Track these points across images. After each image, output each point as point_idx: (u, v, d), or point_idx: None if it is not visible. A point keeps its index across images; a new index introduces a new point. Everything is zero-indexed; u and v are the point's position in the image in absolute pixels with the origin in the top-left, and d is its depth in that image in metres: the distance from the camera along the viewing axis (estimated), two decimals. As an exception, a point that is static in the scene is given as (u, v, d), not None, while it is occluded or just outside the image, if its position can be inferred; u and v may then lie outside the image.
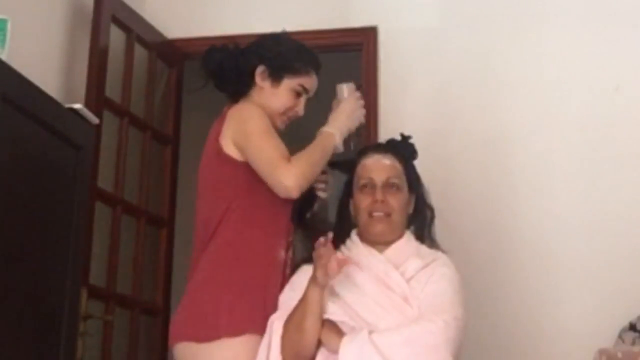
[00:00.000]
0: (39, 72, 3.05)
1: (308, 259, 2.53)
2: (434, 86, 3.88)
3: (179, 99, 4.12)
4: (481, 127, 3.77)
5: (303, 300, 2.43)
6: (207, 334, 2.49)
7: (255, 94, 2.72)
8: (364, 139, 3.37)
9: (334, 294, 2.48)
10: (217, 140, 2.64)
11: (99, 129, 3.32)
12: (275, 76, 2.70)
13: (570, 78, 3.75)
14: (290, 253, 2.67)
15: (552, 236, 3.61)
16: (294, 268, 2.63)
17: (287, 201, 2.62)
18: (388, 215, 2.60)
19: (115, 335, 3.52)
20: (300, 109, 2.74)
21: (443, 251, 2.65)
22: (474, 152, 3.76)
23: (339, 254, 2.42)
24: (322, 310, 2.43)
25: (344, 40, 4.01)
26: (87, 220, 3.19)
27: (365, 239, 2.63)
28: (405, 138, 2.77)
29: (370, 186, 2.63)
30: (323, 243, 2.38)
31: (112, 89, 3.63)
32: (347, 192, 2.72)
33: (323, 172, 2.70)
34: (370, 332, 2.36)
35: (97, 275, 3.45)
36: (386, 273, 2.52)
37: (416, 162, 2.76)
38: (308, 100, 2.77)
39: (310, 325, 2.41)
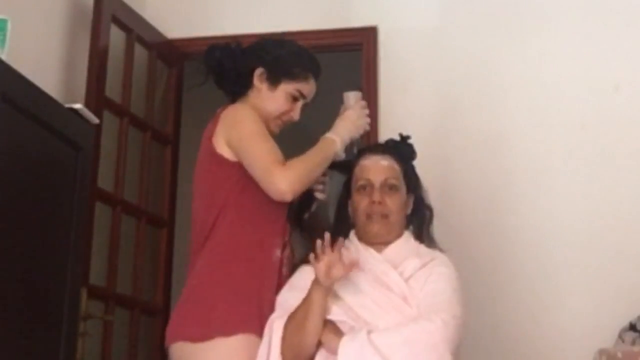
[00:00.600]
0: (39, 72, 3.05)
1: (307, 259, 2.52)
2: (434, 86, 3.88)
3: (179, 99, 4.12)
4: (481, 127, 3.77)
5: (306, 301, 2.43)
6: (201, 334, 2.49)
7: (252, 96, 2.72)
8: (364, 140, 3.37)
9: (333, 294, 2.48)
10: (210, 140, 2.64)
11: (99, 129, 3.32)
12: (273, 79, 2.70)
13: (570, 78, 3.75)
14: (287, 252, 2.66)
15: (552, 236, 3.61)
16: (293, 268, 2.63)
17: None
18: (385, 216, 2.61)
19: (115, 335, 3.53)
20: (295, 114, 2.73)
21: (442, 251, 2.66)
22: (474, 152, 3.76)
23: (344, 258, 2.41)
24: (324, 311, 2.43)
25: (344, 40, 4.01)
26: (87, 220, 3.19)
27: (363, 239, 2.63)
28: (404, 138, 2.77)
29: (368, 187, 2.64)
30: (322, 247, 2.38)
31: (112, 89, 3.63)
32: (346, 193, 2.72)
33: (322, 173, 2.69)
34: (369, 332, 2.36)
35: (97, 275, 3.45)
36: (385, 273, 2.53)
37: (415, 162, 2.76)
38: (306, 103, 2.76)
39: (312, 326, 2.41)
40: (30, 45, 3.19)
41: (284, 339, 2.43)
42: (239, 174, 2.59)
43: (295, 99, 2.72)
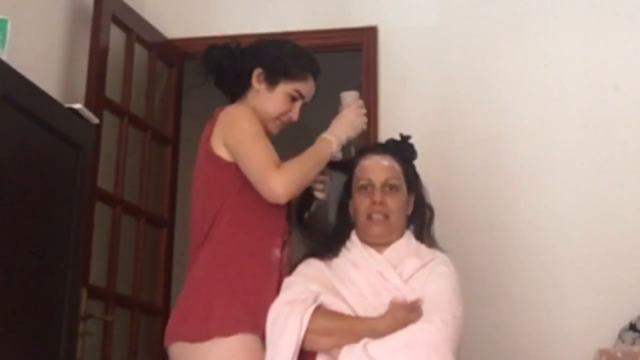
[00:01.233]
0: (39, 72, 3.05)
1: (307, 256, 2.57)
2: (434, 86, 3.88)
3: (179, 99, 4.12)
4: (481, 127, 3.77)
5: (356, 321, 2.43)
6: (200, 334, 2.48)
7: (251, 96, 2.71)
8: (363, 139, 3.36)
9: (334, 294, 2.48)
10: (208, 141, 2.63)
11: (99, 129, 3.32)
12: (271, 80, 2.69)
13: (570, 78, 3.75)
14: (286, 252, 2.65)
15: (552, 236, 3.61)
16: (292, 268, 2.63)
17: None
18: (386, 217, 2.61)
19: (115, 335, 3.52)
20: (294, 114, 2.72)
21: (442, 250, 2.66)
22: (474, 152, 3.76)
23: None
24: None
25: (344, 40, 4.01)
26: (87, 220, 3.19)
27: (364, 239, 2.63)
28: (404, 138, 2.77)
29: (369, 187, 2.64)
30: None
31: (112, 89, 3.63)
32: (347, 193, 2.72)
33: (322, 173, 2.69)
34: (366, 344, 2.35)
35: (97, 275, 3.45)
36: (384, 273, 2.53)
37: (416, 162, 2.76)
38: (305, 103, 2.75)
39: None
40: (30, 45, 3.19)
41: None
42: (237, 175, 2.58)
43: (293, 99, 2.71)
